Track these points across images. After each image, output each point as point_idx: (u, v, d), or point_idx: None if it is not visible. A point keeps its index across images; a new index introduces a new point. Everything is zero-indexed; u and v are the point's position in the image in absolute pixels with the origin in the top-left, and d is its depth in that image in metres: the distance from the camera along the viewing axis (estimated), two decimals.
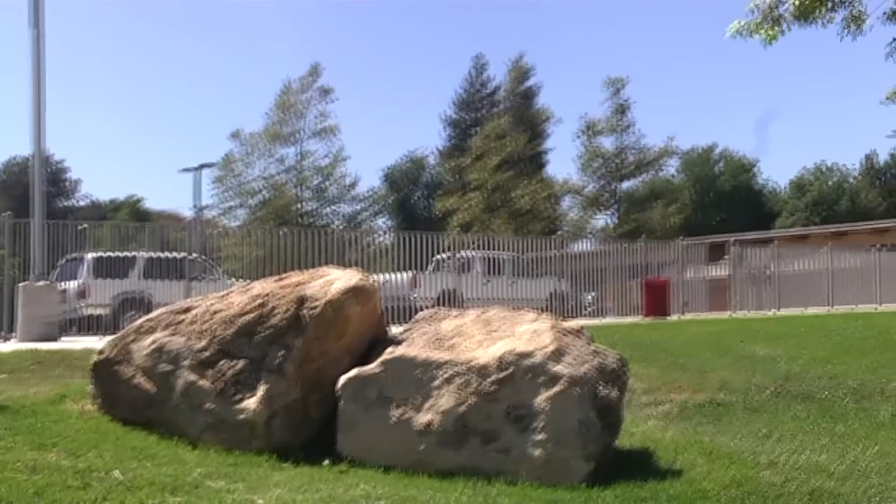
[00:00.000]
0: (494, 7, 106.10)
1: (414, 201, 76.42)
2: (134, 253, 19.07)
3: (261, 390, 7.01)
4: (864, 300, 29.41)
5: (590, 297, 26.94)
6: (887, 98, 20.43)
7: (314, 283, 7.67)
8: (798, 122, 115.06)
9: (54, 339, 14.39)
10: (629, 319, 22.25)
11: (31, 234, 15.67)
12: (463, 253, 23.93)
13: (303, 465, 6.64)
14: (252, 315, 7.42)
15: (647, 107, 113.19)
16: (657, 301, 24.04)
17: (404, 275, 22.09)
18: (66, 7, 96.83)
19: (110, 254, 18.29)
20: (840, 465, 7.35)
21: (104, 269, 18.10)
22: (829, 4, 12.98)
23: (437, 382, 6.89)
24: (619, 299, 26.22)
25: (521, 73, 64.34)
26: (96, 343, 9.94)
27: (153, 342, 7.56)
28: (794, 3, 12.80)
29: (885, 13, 13.58)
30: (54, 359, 10.66)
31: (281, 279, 8.00)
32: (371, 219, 67.45)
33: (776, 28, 13.13)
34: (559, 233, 50.95)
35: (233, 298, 7.79)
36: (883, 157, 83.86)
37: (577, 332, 7.54)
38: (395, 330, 8.21)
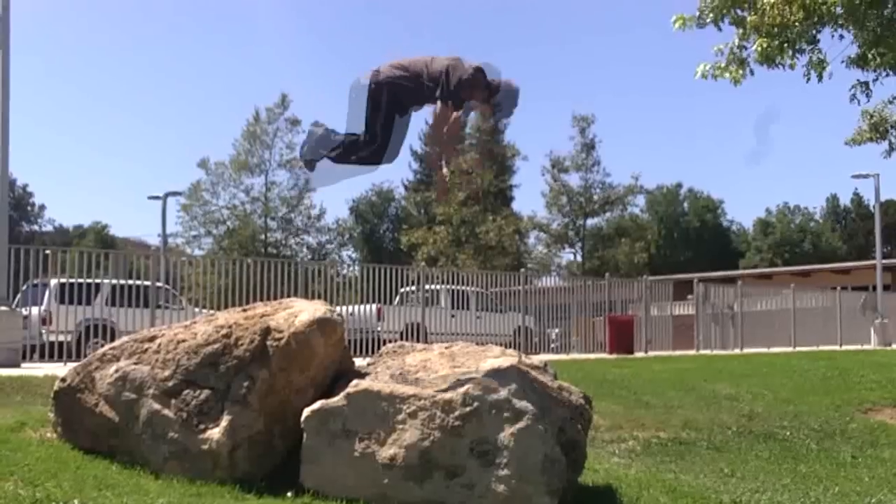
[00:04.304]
0: (462, 44, 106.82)
1: (380, 234, 76.54)
2: (98, 280, 18.92)
3: (224, 421, 6.97)
4: (826, 340, 29.68)
5: (555, 333, 26.99)
6: (850, 141, 20.79)
7: (279, 314, 7.64)
8: (763, 162, 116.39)
9: (16, 366, 14.24)
10: (594, 356, 22.30)
11: None
12: (429, 286, 23.94)
13: (266, 497, 6.59)
14: (217, 345, 7.38)
15: (613, 145, 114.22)
16: (622, 338, 24.12)
17: (370, 307, 22.07)
18: (31, 29, 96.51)
19: (75, 280, 18.12)
20: None
21: (68, 295, 17.93)
22: (791, 52, 13.19)
23: (401, 416, 6.87)
24: (584, 336, 26.27)
25: None
26: (59, 370, 9.84)
27: (117, 370, 7.49)
28: (756, 50, 13.01)
29: (848, 57, 13.83)
30: (14, 385, 10.53)
31: (246, 310, 7.96)
32: (337, 250, 67.54)
33: (741, 71, 13.34)
34: (525, 268, 51.07)
35: (197, 328, 7.74)
36: (845, 200, 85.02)
37: (542, 368, 7.56)
38: (360, 362, 8.20)
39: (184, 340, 7.55)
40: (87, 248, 41.93)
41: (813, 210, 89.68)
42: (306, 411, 7.05)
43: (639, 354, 23.28)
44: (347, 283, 26.28)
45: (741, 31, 13.34)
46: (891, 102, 18.49)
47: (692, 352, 25.46)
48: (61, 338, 17.53)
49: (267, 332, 7.37)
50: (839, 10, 13.02)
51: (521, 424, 6.65)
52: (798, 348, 27.25)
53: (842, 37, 13.49)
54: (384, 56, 7.26)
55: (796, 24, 12.86)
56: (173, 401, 7.19)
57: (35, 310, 18.14)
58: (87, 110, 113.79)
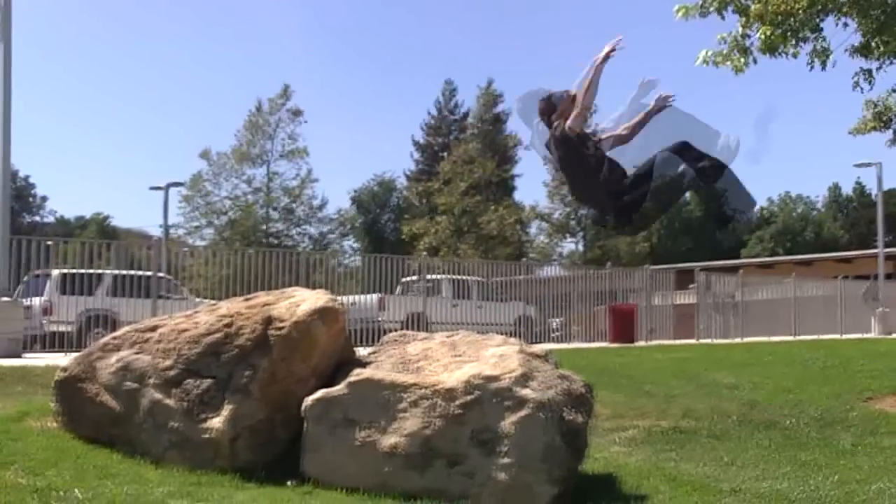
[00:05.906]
0: (464, 33, 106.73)
1: (382, 224, 76.41)
2: (100, 270, 18.93)
3: (226, 410, 6.98)
4: (827, 329, 29.60)
5: (556, 322, 26.96)
6: (853, 130, 20.73)
7: (281, 303, 7.65)
8: (762, 160, 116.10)
9: (17, 356, 14.25)
10: (595, 345, 22.28)
11: None
12: (430, 276, 23.94)
13: (267, 486, 6.61)
14: (218, 335, 7.39)
15: None
16: (623, 327, 24.09)
17: (371, 297, 22.06)
18: (32, 20, 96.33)
19: (76, 271, 18.14)
20: (802, 493, 7.40)
21: (69, 285, 17.95)
22: (794, 40, 13.15)
23: (402, 405, 6.88)
24: (586, 325, 26.23)
25: (490, 99, 64.53)
26: (60, 360, 9.85)
27: (119, 360, 7.50)
28: (760, 38, 12.97)
29: (851, 46, 13.79)
30: (16, 375, 10.54)
31: (248, 299, 7.97)
32: (338, 241, 67.44)
33: (743, 59, 13.29)
34: (526, 258, 51.07)
35: (199, 318, 7.75)
36: (847, 189, 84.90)
37: (544, 357, 7.56)
38: (362, 352, 8.20)
39: (185, 330, 7.56)
40: (89, 238, 41.87)
41: (815, 199, 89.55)
42: (308, 400, 7.06)
43: (640, 343, 23.26)
44: (349, 273, 26.28)
45: (744, 19, 13.28)
46: (895, 91, 18.44)
47: (693, 341, 25.43)
48: (63, 328, 17.55)
49: (269, 321, 7.38)
50: None
51: (522, 413, 6.66)
52: (799, 337, 27.20)
53: (846, 25, 13.44)
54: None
55: (800, 12, 12.82)
56: (175, 390, 7.20)
57: (37, 300, 18.14)
58: (89, 101, 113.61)
